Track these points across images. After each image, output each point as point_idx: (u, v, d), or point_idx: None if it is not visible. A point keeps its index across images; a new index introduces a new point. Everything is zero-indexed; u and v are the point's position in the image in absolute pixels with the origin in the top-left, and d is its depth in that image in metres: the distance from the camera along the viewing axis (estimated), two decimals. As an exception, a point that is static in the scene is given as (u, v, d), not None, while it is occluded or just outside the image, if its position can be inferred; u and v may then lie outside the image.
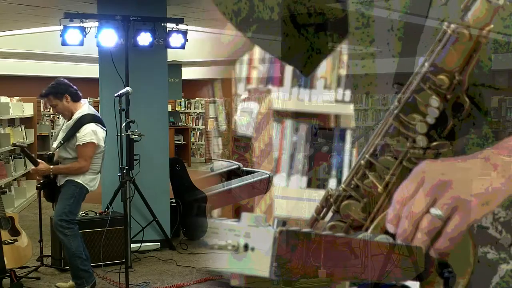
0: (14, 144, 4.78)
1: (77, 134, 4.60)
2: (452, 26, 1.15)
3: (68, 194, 4.71)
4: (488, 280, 1.26)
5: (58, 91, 4.68)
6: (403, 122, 1.20)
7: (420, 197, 1.09)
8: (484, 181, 1.07)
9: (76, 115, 4.69)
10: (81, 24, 6.03)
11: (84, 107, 4.75)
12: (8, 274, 4.91)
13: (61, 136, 4.76)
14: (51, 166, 4.69)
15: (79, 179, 4.72)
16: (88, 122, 4.65)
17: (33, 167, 4.71)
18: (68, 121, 4.75)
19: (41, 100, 4.91)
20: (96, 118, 4.75)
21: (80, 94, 4.80)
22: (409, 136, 1.20)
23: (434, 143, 1.18)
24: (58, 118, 14.39)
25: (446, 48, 1.16)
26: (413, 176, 1.13)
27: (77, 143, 4.61)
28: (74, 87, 4.78)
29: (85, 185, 4.73)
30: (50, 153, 4.83)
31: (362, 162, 1.23)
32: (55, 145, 4.79)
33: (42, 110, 13.83)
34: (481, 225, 1.26)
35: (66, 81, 4.78)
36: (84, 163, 4.64)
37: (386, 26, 1.35)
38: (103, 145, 4.71)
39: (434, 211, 1.08)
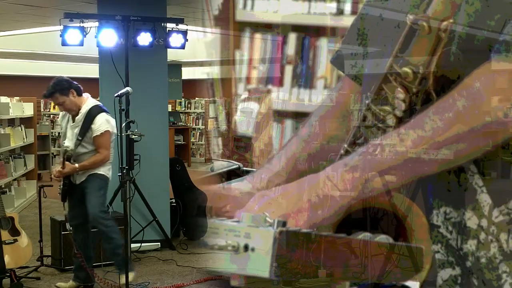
0: (59, 148, 4.76)
1: (92, 126, 4.64)
2: (411, 17, 1.16)
3: (96, 187, 4.73)
4: (432, 279, 1.26)
5: (63, 87, 4.67)
6: (375, 113, 1.22)
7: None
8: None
9: (84, 109, 4.70)
10: (81, 24, 6.02)
11: (89, 100, 4.79)
12: (8, 274, 4.90)
13: (71, 133, 4.73)
14: (76, 165, 4.66)
15: (102, 171, 4.76)
16: (99, 113, 4.71)
17: (58, 169, 4.67)
18: (74, 116, 4.73)
19: (45, 100, 4.79)
20: (103, 108, 4.82)
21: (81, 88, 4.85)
22: (381, 128, 1.21)
23: None
24: (58, 118, 14.41)
25: (409, 41, 1.17)
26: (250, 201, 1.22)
27: (95, 135, 4.64)
28: (75, 82, 4.81)
29: (107, 176, 4.80)
30: (68, 154, 4.70)
31: (342, 152, 1.26)
32: (69, 143, 4.72)
33: (42, 110, 13.83)
34: (433, 223, 1.26)
35: (66, 77, 4.80)
36: (106, 152, 4.70)
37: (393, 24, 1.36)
38: (116, 132, 4.80)
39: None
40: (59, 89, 4.65)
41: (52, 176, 4.84)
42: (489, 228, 1.20)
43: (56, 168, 4.78)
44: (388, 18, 1.39)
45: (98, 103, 4.89)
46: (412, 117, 1.18)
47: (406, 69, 1.18)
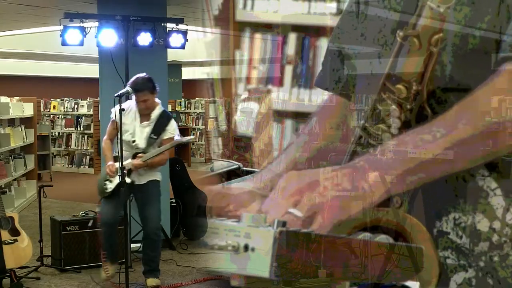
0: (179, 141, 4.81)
1: (168, 128, 4.75)
2: (401, 33, 1.16)
3: (158, 196, 4.85)
4: (445, 285, 1.26)
5: (153, 86, 4.75)
6: (370, 133, 1.22)
7: (281, 201, 1.16)
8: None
9: (158, 110, 4.80)
10: (81, 24, 6.03)
11: (160, 103, 4.88)
12: (8, 274, 4.91)
13: (140, 130, 4.73)
14: (148, 159, 4.69)
15: (159, 176, 4.89)
16: (171, 117, 4.89)
17: (135, 162, 4.66)
18: (145, 115, 4.75)
19: (136, 93, 4.69)
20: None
21: None
22: (376, 146, 1.21)
23: None
24: (58, 118, 14.41)
25: (401, 58, 1.18)
26: (278, 185, 1.20)
27: (167, 136, 4.75)
28: None
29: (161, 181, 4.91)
30: (140, 151, 4.71)
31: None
32: (139, 141, 4.72)
33: (42, 110, 13.84)
34: (442, 230, 1.26)
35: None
36: (168, 155, 4.82)
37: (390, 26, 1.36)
38: None
39: (293, 211, 1.13)
40: (152, 86, 4.73)
41: (108, 172, 4.75)
42: (502, 230, 1.21)
43: (114, 165, 4.72)
44: (371, 14, 1.40)
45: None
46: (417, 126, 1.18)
47: (399, 86, 1.18)
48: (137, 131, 4.76)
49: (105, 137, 4.97)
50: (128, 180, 4.67)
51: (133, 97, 4.74)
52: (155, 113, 4.78)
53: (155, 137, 4.72)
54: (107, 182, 4.80)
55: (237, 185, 1.40)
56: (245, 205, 1.31)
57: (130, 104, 4.80)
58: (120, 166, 4.72)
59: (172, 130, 4.78)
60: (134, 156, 4.71)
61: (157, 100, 4.84)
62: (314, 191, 1.13)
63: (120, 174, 4.42)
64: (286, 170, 1.44)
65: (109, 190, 4.78)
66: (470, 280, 1.25)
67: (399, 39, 1.17)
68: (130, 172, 4.71)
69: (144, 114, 4.78)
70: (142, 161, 4.63)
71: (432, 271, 1.20)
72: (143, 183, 4.76)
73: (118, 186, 4.60)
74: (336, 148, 1.46)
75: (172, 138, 4.75)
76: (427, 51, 1.16)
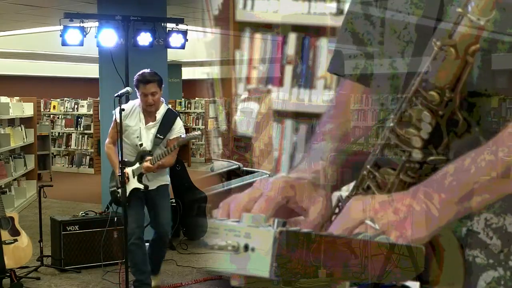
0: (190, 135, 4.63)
1: (174, 127, 4.63)
2: (438, 43, 1.16)
3: (168, 199, 4.81)
4: (473, 284, 1.26)
5: (161, 79, 4.63)
6: (399, 135, 1.22)
7: (351, 216, 1.17)
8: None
9: (163, 109, 4.66)
10: (81, 24, 6.03)
11: (164, 103, 4.77)
12: (8, 274, 4.91)
13: (146, 132, 4.60)
14: (159, 161, 4.53)
15: (168, 180, 4.80)
16: (177, 116, 4.77)
17: (146, 164, 4.49)
18: (149, 115, 4.60)
19: (144, 85, 4.51)
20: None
21: None
22: (405, 149, 1.21)
23: (431, 158, 1.20)
24: (58, 118, 14.41)
25: (436, 65, 1.18)
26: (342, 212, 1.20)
27: (174, 136, 4.62)
28: None
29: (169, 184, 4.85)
30: (145, 153, 4.57)
31: (365, 172, 1.25)
32: (145, 143, 4.59)
33: (42, 110, 13.84)
34: (472, 229, 1.26)
35: None
36: (176, 155, 4.71)
37: (400, 27, 1.36)
38: None
39: (370, 222, 1.14)
40: (159, 79, 4.59)
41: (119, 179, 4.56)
42: None
43: (126, 171, 4.52)
44: (389, 18, 1.39)
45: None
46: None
47: (432, 92, 1.18)
48: (143, 134, 4.61)
49: (107, 141, 4.77)
50: (141, 186, 4.55)
51: (138, 95, 4.56)
52: (160, 112, 4.63)
53: (161, 137, 4.59)
54: (119, 191, 4.59)
55: (301, 174, 1.37)
56: (311, 196, 1.30)
57: (134, 104, 4.64)
58: (120, 166, 4.71)
59: (179, 129, 4.65)
60: (141, 159, 4.56)
61: (161, 99, 4.71)
62: (387, 210, 1.14)
63: (120, 174, 4.41)
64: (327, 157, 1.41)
65: (119, 197, 4.58)
66: (499, 279, 1.25)
67: (436, 48, 1.17)
68: (141, 176, 4.56)
69: (149, 115, 4.60)
70: (151, 163, 4.47)
71: (458, 274, 1.20)
72: (153, 188, 4.63)
73: (131, 192, 4.52)
74: (336, 147, 1.46)
75: (178, 138, 4.61)
76: (463, 60, 1.16)
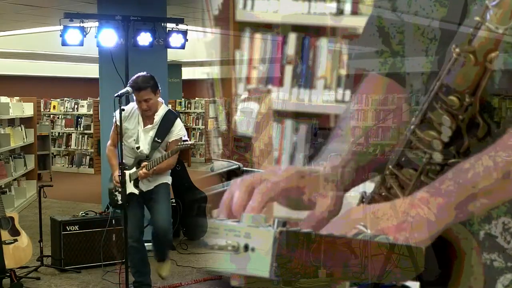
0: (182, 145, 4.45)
1: (172, 129, 4.51)
2: (457, 49, 1.16)
3: (167, 196, 4.64)
4: (491, 286, 1.26)
5: (155, 84, 4.46)
6: (420, 138, 1.22)
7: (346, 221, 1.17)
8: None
9: (162, 111, 4.54)
10: (81, 24, 6.03)
11: (163, 103, 4.66)
12: (8, 274, 4.91)
13: (144, 135, 4.51)
14: (154, 167, 4.43)
15: (168, 180, 4.66)
16: (176, 117, 4.63)
17: (142, 171, 4.43)
18: (148, 118, 4.51)
19: (137, 92, 4.42)
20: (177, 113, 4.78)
21: None
22: (426, 151, 1.22)
23: (451, 160, 1.20)
24: (58, 118, 14.42)
25: (455, 70, 1.18)
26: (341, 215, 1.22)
27: (173, 138, 4.50)
28: None
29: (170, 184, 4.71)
30: (144, 156, 4.50)
31: (387, 172, 1.26)
32: (142, 146, 4.51)
33: (42, 110, 13.84)
34: (490, 233, 1.27)
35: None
36: (176, 158, 4.60)
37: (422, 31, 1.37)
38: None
39: (361, 227, 1.14)
40: (153, 84, 4.43)
41: (114, 182, 4.57)
42: None
43: (117, 172, 4.50)
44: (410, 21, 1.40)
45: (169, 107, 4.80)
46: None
47: (452, 97, 1.19)
48: (141, 136, 4.53)
49: (108, 143, 4.73)
50: (136, 191, 4.51)
51: (134, 98, 4.52)
52: (159, 114, 4.52)
53: (159, 140, 4.48)
54: (117, 193, 4.62)
55: (314, 168, 1.37)
56: (321, 191, 1.30)
57: (133, 107, 4.57)
58: (120, 166, 4.71)
59: (178, 131, 4.53)
60: (139, 163, 4.50)
61: (160, 99, 4.60)
62: (382, 217, 1.14)
63: (120, 174, 4.40)
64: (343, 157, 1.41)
65: (120, 200, 4.59)
66: None
67: (454, 54, 1.17)
68: (137, 181, 4.52)
69: (148, 117, 4.52)
70: (147, 169, 4.40)
71: (477, 279, 1.20)
72: (151, 188, 4.57)
73: (128, 196, 4.47)
74: (335, 148, 1.46)
75: (178, 140, 4.50)
76: (482, 66, 1.16)
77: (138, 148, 4.52)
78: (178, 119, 4.62)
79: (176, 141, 4.51)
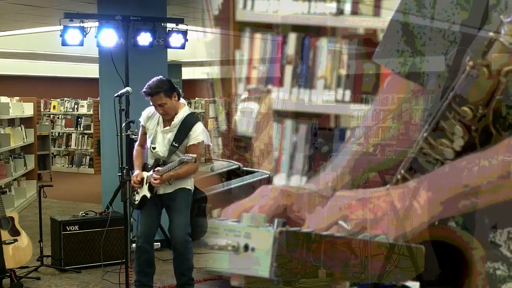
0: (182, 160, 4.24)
1: (191, 133, 4.35)
2: (471, 63, 1.17)
3: (186, 204, 4.47)
4: None
5: (168, 88, 4.32)
6: (432, 145, 1.23)
7: (328, 215, 1.18)
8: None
9: (181, 114, 4.39)
10: (81, 24, 6.03)
11: (186, 106, 4.51)
12: (8, 274, 4.91)
13: (162, 137, 4.41)
14: (172, 172, 4.31)
15: (190, 185, 4.48)
16: (197, 121, 4.45)
17: (154, 176, 4.33)
18: (168, 121, 4.40)
19: (149, 97, 4.34)
20: (199, 117, 4.62)
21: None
22: (438, 159, 1.22)
23: None
24: (58, 118, 14.41)
25: (469, 82, 1.18)
26: (327, 205, 1.22)
27: (192, 143, 4.36)
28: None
29: (192, 190, 4.51)
30: (160, 161, 4.42)
31: (399, 176, 1.27)
32: (160, 148, 4.41)
33: (42, 110, 13.84)
34: (495, 242, 1.27)
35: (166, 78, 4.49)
36: (198, 163, 4.36)
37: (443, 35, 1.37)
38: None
39: (342, 223, 1.14)
40: (166, 89, 4.30)
41: (133, 183, 4.46)
42: None
43: (140, 174, 4.45)
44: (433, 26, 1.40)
45: (193, 110, 4.68)
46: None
47: (465, 108, 1.19)
48: (158, 137, 4.43)
49: (136, 144, 4.68)
50: (148, 194, 4.43)
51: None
52: (179, 117, 4.37)
53: (176, 145, 4.35)
54: (134, 193, 4.53)
55: (303, 185, 1.39)
56: (308, 206, 1.32)
57: None
58: (120, 166, 4.70)
59: (196, 135, 4.34)
60: (157, 166, 4.41)
61: (182, 101, 4.47)
62: (365, 208, 1.14)
63: (120, 173, 4.38)
64: (345, 170, 1.43)
65: (137, 202, 4.53)
66: None
67: (468, 68, 1.17)
68: (151, 184, 4.42)
69: (168, 120, 4.41)
70: (159, 175, 4.30)
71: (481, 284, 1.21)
72: (170, 191, 4.44)
73: (141, 198, 4.42)
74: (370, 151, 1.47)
75: (197, 145, 4.35)
76: (496, 80, 1.16)
77: (154, 148, 4.44)
78: (199, 123, 4.45)
79: (195, 146, 4.36)
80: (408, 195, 1.15)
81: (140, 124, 4.56)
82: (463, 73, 1.19)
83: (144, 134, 4.51)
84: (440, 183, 1.15)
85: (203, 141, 4.40)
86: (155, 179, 4.32)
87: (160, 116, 4.43)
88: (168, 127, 4.40)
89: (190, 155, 4.20)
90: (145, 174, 4.47)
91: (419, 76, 1.46)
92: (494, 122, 1.20)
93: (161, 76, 4.45)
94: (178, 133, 4.36)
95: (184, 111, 4.41)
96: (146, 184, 4.47)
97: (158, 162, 4.41)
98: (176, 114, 4.39)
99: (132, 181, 4.48)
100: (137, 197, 4.52)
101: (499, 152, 1.14)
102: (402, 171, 1.28)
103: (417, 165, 1.26)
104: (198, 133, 4.36)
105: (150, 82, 4.38)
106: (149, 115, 4.51)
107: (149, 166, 4.51)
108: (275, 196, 1.31)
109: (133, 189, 4.54)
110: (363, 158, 1.47)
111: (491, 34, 1.16)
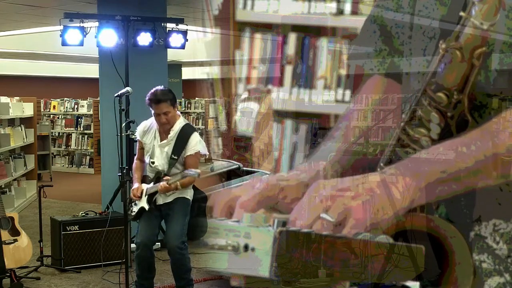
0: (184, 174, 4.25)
1: (188, 144, 4.40)
2: (443, 45, 1.16)
3: (184, 212, 4.50)
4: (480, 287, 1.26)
5: (173, 97, 4.41)
6: (410, 135, 1.22)
7: (311, 208, 1.16)
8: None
9: (178, 126, 4.44)
10: (81, 24, 6.03)
11: (181, 117, 4.56)
12: (8, 274, 4.91)
13: (159, 151, 4.45)
14: (178, 182, 4.31)
15: (189, 195, 4.52)
16: (193, 131, 4.49)
17: (162, 184, 4.32)
18: (164, 133, 4.44)
19: (154, 105, 4.36)
20: (194, 127, 4.67)
21: None
22: (416, 149, 1.22)
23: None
24: (58, 118, 14.41)
25: (442, 67, 1.18)
26: (306, 195, 1.20)
27: (189, 154, 4.39)
28: None
29: (191, 200, 4.55)
30: (161, 174, 4.43)
31: (379, 170, 1.26)
32: (158, 162, 4.45)
33: (42, 110, 13.84)
34: (480, 234, 1.26)
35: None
36: (199, 171, 4.33)
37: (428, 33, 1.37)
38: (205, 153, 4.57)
39: (325, 216, 1.12)
40: (171, 98, 4.38)
41: (132, 196, 4.52)
42: None
43: (140, 188, 4.48)
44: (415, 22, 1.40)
45: (187, 121, 4.71)
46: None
47: (440, 94, 1.19)
48: (156, 152, 4.47)
49: (135, 157, 4.73)
50: (146, 206, 4.46)
51: (152, 113, 4.43)
52: (175, 130, 4.42)
53: (175, 157, 4.40)
54: (132, 205, 4.58)
55: (294, 176, 1.37)
56: (299, 197, 1.31)
57: (152, 122, 4.51)
58: (120, 166, 4.71)
59: (193, 145, 4.39)
60: (158, 179, 4.43)
61: (178, 113, 4.51)
62: (345, 196, 1.14)
63: (120, 173, 4.37)
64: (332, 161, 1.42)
65: (134, 213, 4.56)
66: (504, 285, 1.25)
67: (441, 50, 1.17)
68: (151, 197, 4.46)
69: (165, 132, 4.45)
70: (168, 183, 4.29)
71: (468, 276, 1.20)
72: (168, 201, 4.48)
73: (139, 210, 4.46)
74: (340, 147, 1.46)
75: (194, 155, 4.39)
76: (469, 63, 1.16)
77: (152, 163, 4.47)
78: (195, 133, 4.49)
79: (193, 156, 4.40)
80: (387, 181, 1.15)
81: (137, 139, 4.59)
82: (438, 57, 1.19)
83: (142, 148, 4.56)
84: (418, 169, 1.15)
85: (199, 151, 4.44)
86: (163, 186, 4.32)
87: (156, 130, 4.48)
88: (165, 141, 4.44)
89: (194, 170, 4.22)
90: (145, 186, 4.50)
91: (397, 75, 1.46)
92: (469, 109, 1.19)
93: (162, 86, 4.49)
94: (176, 145, 4.41)
95: (180, 123, 4.47)
96: (145, 196, 4.49)
97: (160, 175, 4.44)
98: (172, 126, 4.43)
99: (132, 194, 4.53)
100: (135, 209, 4.55)
101: (475, 137, 1.14)
102: (382, 164, 1.27)
103: (396, 158, 1.26)
104: (195, 143, 4.41)
105: (154, 90, 4.41)
106: (145, 129, 4.53)
107: (149, 179, 4.54)
108: (265, 187, 1.30)
109: (131, 201, 4.57)
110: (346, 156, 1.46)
111: (462, 13, 1.15)
